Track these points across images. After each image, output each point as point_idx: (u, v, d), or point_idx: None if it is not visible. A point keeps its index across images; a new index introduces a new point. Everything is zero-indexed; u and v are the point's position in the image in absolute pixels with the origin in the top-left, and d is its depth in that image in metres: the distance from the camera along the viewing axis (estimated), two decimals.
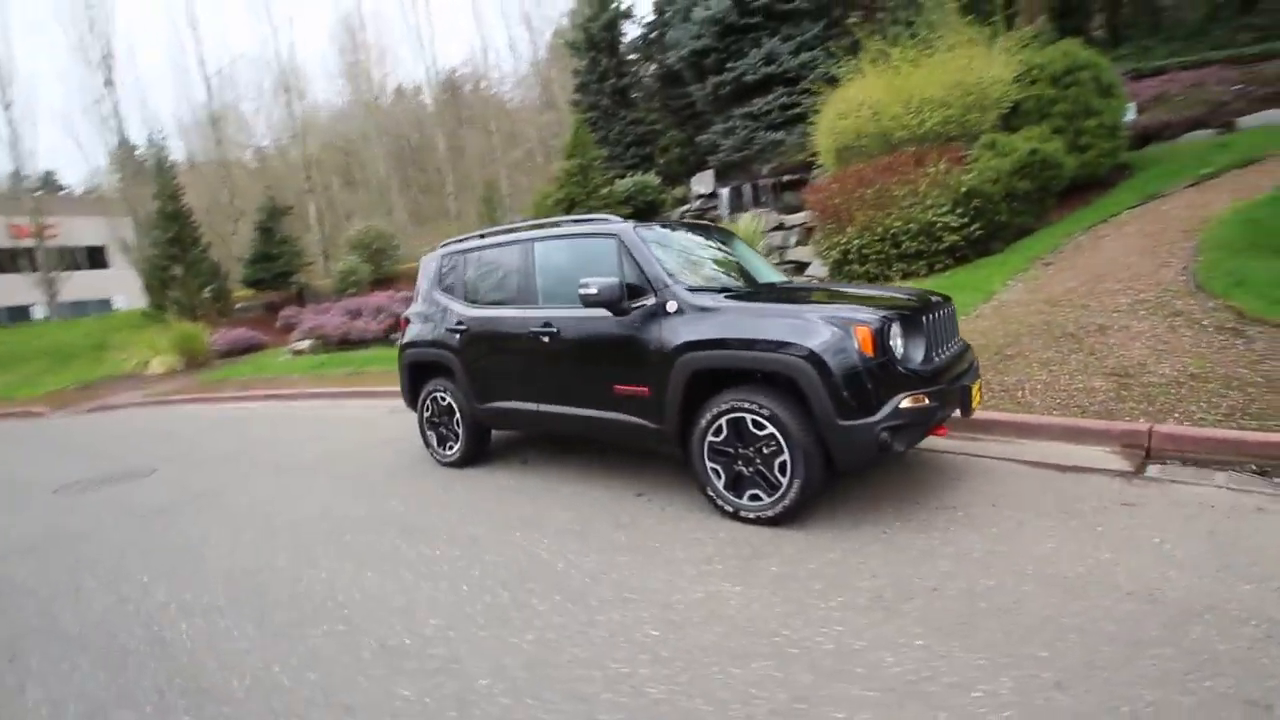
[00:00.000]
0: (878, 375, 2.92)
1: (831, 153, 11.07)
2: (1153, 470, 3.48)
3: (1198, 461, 3.50)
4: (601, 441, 4.51)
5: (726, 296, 3.44)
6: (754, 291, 3.73)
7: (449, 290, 4.79)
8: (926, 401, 2.97)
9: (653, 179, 18.90)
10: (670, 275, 3.55)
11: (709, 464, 3.33)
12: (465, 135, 29.62)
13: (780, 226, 15.15)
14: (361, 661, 2.36)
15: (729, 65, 17.73)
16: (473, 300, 4.61)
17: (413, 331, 5.00)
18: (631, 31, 25.05)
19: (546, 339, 3.99)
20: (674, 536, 3.18)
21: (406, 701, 2.10)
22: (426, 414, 4.94)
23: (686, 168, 22.77)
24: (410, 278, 20.52)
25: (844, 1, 17.99)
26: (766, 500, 3.15)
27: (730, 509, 3.27)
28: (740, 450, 3.21)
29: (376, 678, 2.25)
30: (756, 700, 1.94)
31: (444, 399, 4.76)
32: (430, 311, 4.88)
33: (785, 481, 3.07)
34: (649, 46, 24.28)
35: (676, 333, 3.38)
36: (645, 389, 3.53)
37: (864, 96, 10.36)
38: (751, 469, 3.19)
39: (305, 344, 15.05)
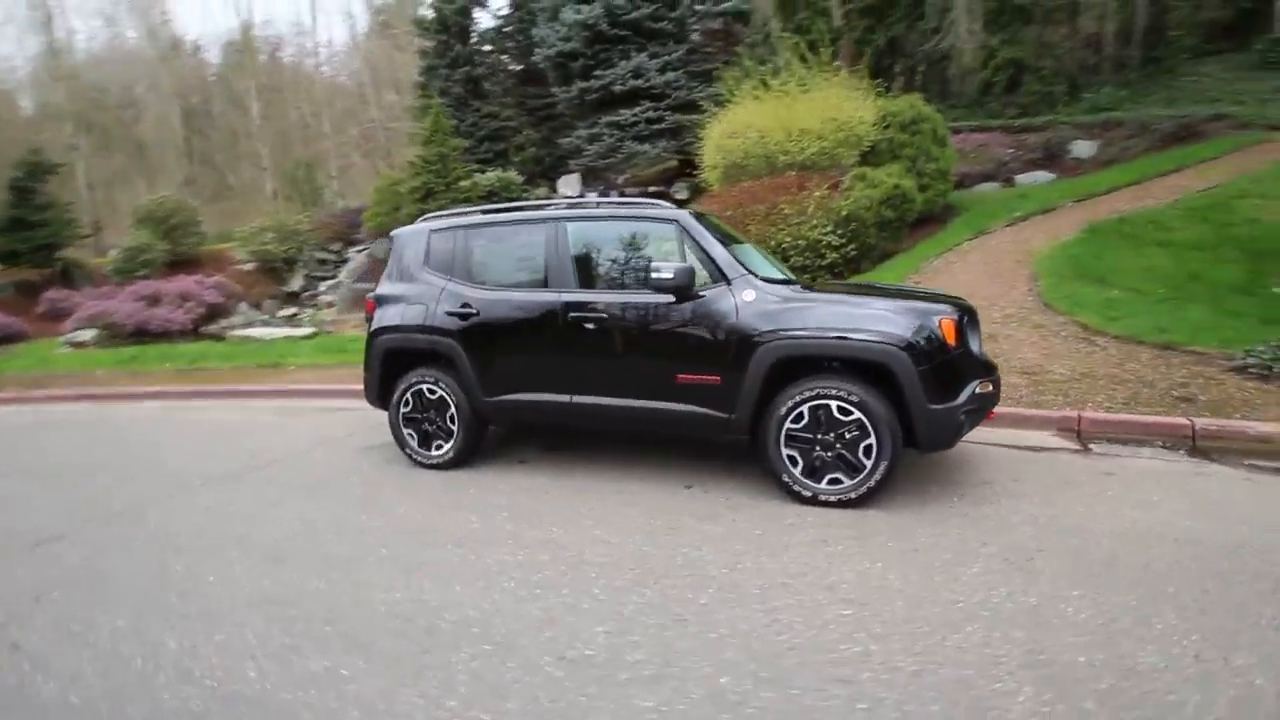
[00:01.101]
0: (959, 363, 3.24)
1: (719, 169, 11.73)
2: (1095, 448, 4.28)
3: (1120, 440, 4.37)
4: (637, 434, 4.33)
5: (799, 288, 3.55)
6: (816, 284, 3.86)
7: (444, 270, 4.27)
8: (990, 388, 3.36)
9: (516, 176, 18.44)
10: (741, 264, 3.58)
11: (785, 451, 3.40)
12: (279, 106, 26.10)
13: None
14: (557, 680, 2.04)
15: (596, 73, 17.93)
16: (480, 281, 4.16)
17: (388, 315, 4.36)
18: (484, 21, 24.19)
19: (590, 325, 3.75)
20: (764, 524, 3.20)
21: (659, 712, 1.88)
22: (405, 410, 4.33)
23: (542, 168, 22.54)
24: (216, 260, 17.57)
25: (704, 31, 19.17)
26: (849, 483, 3.31)
27: (808, 494, 3.37)
28: (820, 436, 3.34)
29: (596, 694, 1.97)
30: (1003, 660, 2.06)
31: (433, 392, 4.22)
32: (415, 293, 4.30)
33: (870, 464, 3.25)
34: (503, 39, 23.64)
35: (758, 321, 3.41)
36: (716, 377, 3.50)
37: (751, 120, 11.15)
38: (832, 454, 3.33)
39: (87, 335, 12.17)
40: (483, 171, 18.67)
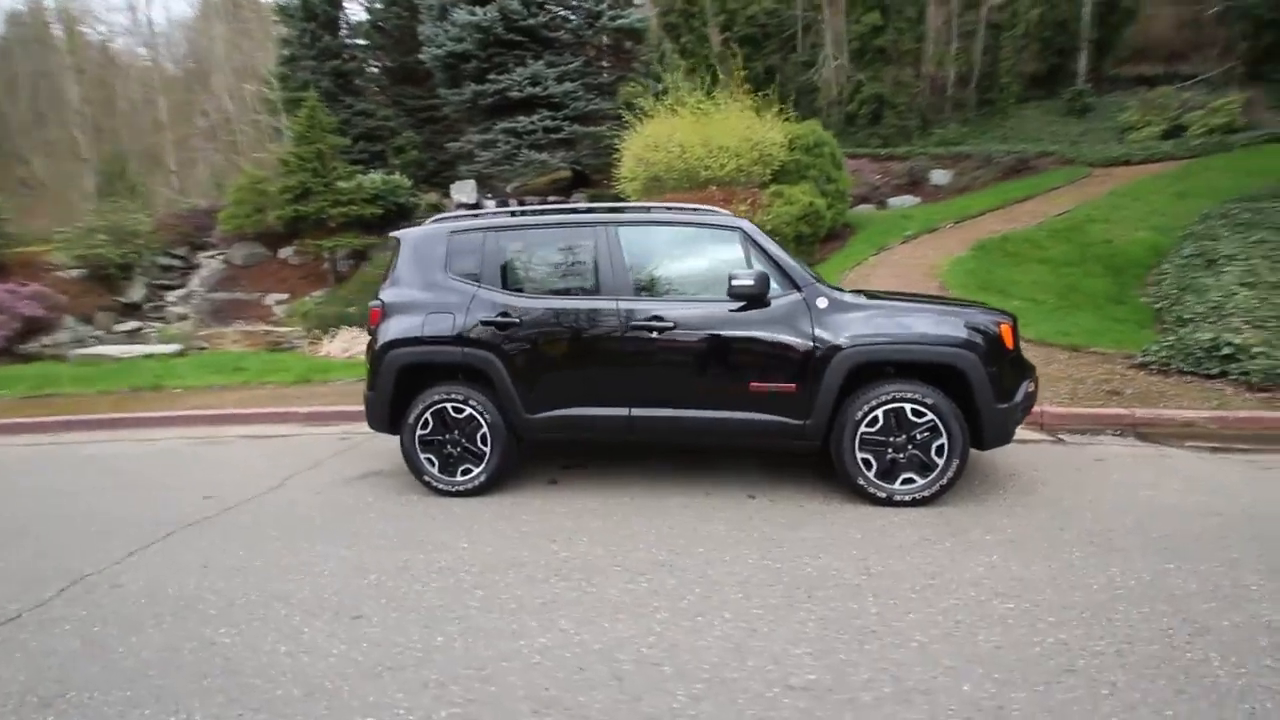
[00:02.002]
0: (1017, 365, 3.52)
1: (639, 180, 11.81)
2: (1065, 439, 4.84)
3: (1080, 430, 4.99)
4: (651, 448, 4.18)
5: (861, 296, 3.66)
6: (874, 293, 3.95)
7: (471, 275, 3.86)
8: (1033, 387, 3.68)
9: (404, 180, 17.35)
10: (807, 271, 3.62)
11: (860, 454, 3.48)
12: (103, 89, 22.12)
13: None
14: (808, 712, 1.90)
15: (491, 77, 17.36)
16: (517, 288, 3.82)
17: (403, 326, 3.86)
18: (355, 13, 22.55)
19: (655, 334, 3.59)
20: (855, 527, 3.24)
21: None
22: (422, 432, 3.85)
23: (425, 172, 21.39)
24: (27, 266, 14.59)
25: (597, 46, 19.28)
26: (921, 482, 3.45)
27: (883, 495, 3.47)
28: (894, 439, 3.46)
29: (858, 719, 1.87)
30: (1173, 632, 2.25)
31: (459, 410, 3.79)
32: (437, 301, 3.85)
33: (943, 463, 3.42)
34: (378, 34, 22.18)
35: (836, 328, 3.46)
36: (792, 385, 3.50)
37: (672, 134, 11.37)
38: (905, 455, 3.46)
39: None
40: (365, 172, 17.32)
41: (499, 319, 3.73)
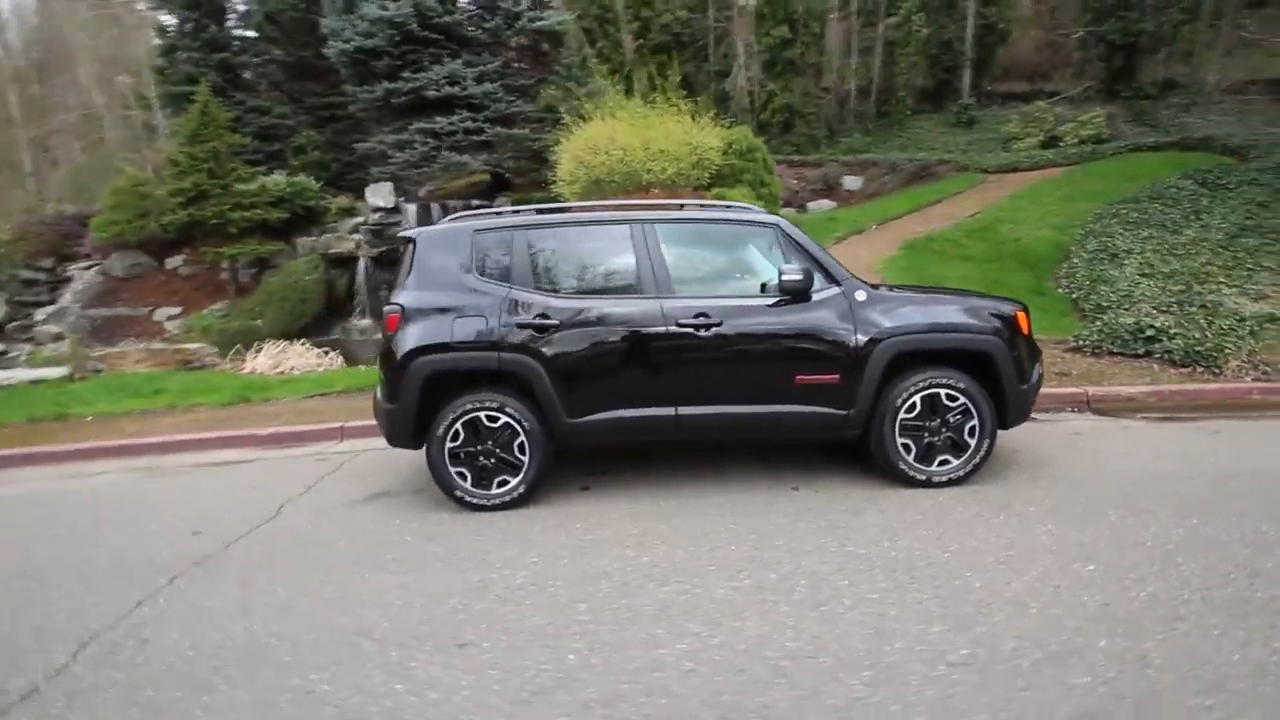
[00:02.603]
0: (1031, 348, 3.81)
1: (581, 183, 11.70)
2: (1037, 416, 5.28)
3: (1045, 409, 5.46)
4: (743, 442, 4.24)
5: (890, 289, 3.83)
6: (897, 286, 4.11)
7: (499, 276, 3.66)
8: (1041, 369, 4.00)
9: (311, 182, 16.20)
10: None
11: (899, 440, 3.64)
12: None
13: None
14: (981, 685, 1.96)
15: (405, 75, 16.59)
16: (551, 288, 3.66)
17: (428, 331, 3.59)
18: (243, 2, 20.84)
19: (703, 332, 3.56)
20: (908, 510, 3.38)
21: (1108, 686, 1.93)
22: (453, 444, 3.60)
23: (329, 174, 20.12)
24: None
25: (516, 47, 18.94)
26: (956, 463, 3.66)
27: (922, 477, 3.65)
28: (929, 423, 3.64)
29: (1026, 685, 1.95)
30: (1234, 577, 2.52)
31: (494, 419, 3.58)
32: (466, 303, 3.62)
33: (974, 444, 3.65)
34: (270, 25, 20.60)
35: (874, 319, 3.60)
36: (835, 376, 3.60)
37: (612, 137, 11.37)
38: (941, 438, 3.66)
39: None
40: (265, 173, 16.02)
41: (537, 321, 3.57)
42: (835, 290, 3.65)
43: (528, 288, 3.65)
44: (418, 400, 3.61)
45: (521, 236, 3.74)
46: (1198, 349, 5.82)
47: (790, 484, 3.85)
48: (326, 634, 2.47)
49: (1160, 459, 4.03)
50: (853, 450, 4.04)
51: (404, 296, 3.70)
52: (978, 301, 3.85)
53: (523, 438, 3.60)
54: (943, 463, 3.67)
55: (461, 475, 3.64)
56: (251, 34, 20.22)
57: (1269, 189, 9.76)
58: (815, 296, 3.62)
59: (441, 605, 2.64)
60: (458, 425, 3.60)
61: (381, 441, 5.28)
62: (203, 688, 2.17)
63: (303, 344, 9.11)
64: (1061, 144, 15.43)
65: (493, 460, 3.63)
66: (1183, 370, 5.86)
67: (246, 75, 19.99)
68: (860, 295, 3.65)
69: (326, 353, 9.00)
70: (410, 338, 3.61)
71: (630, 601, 2.59)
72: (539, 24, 17.83)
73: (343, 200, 17.12)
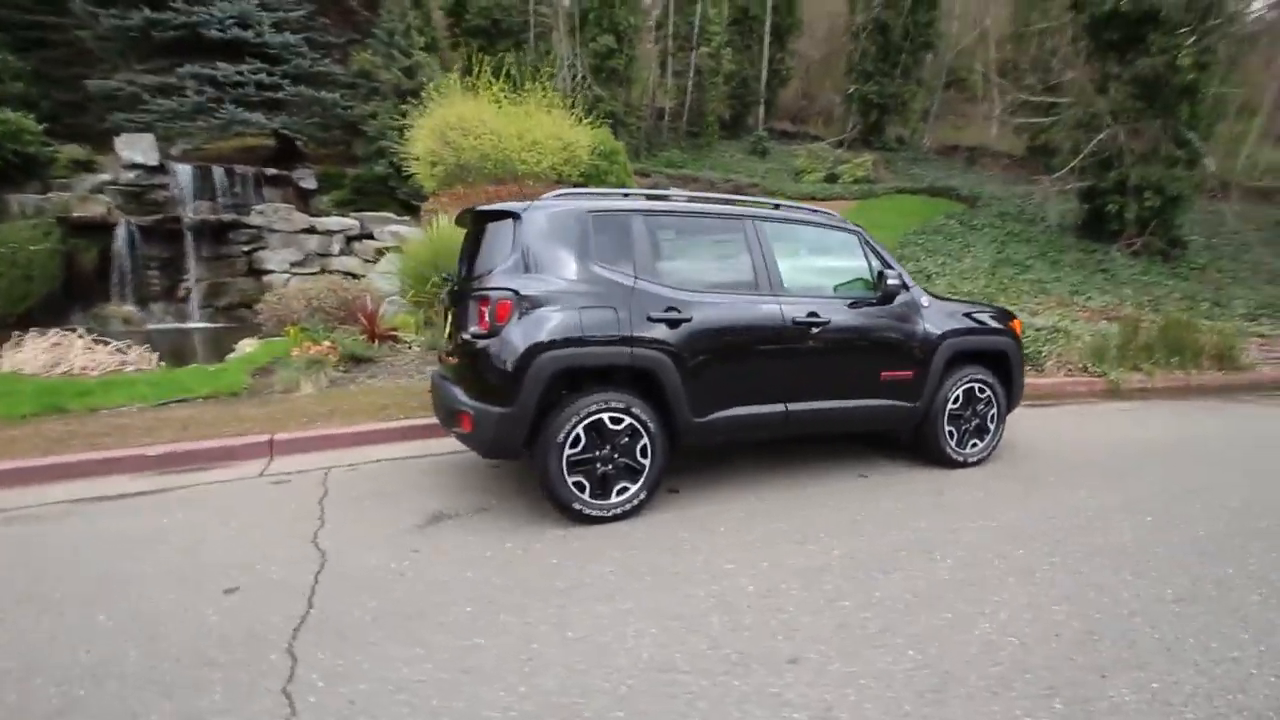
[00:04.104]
0: (1022, 348, 4.64)
1: (447, 166, 10.69)
2: None
3: None
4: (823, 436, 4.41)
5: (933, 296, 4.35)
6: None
7: (621, 265, 3.31)
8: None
9: (30, 122, 12.32)
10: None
11: (947, 427, 4.18)
12: None
13: (312, 230, 12.95)
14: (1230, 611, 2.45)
15: (177, 4, 13.37)
16: (673, 280, 3.41)
17: (553, 323, 3.09)
18: None
19: (814, 330, 3.66)
20: (973, 489, 3.91)
21: None
22: (573, 451, 3.17)
23: (39, 115, 15.48)
24: None
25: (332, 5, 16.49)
26: (981, 445, 4.33)
27: (960, 459, 4.24)
28: (966, 412, 4.25)
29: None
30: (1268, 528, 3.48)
31: (618, 420, 3.24)
32: (591, 293, 3.20)
33: (994, 428, 4.35)
34: None
35: (937, 322, 4.07)
36: (909, 372, 3.99)
37: (481, 118, 10.63)
38: (972, 425, 4.29)
39: None
40: None
41: (668, 315, 3.32)
42: (908, 294, 4.05)
43: (651, 278, 3.37)
44: (538, 402, 3.10)
45: (640, 223, 3.44)
46: (1024, 353, 7.56)
47: (856, 471, 4.16)
48: (629, 678, 2.06)
49: (1107, 432, 5.43)
50: (864, 439, 4.56)
51: (517, 281, 3.14)
52: (990, 308, 4.58)
53: (645, 440, 3.32)
54: (972, 446, 4.30)
55: (579, 486, 3.22)
56: None
57: (1002, 231, 12.92)
58: (897, 299, 3.98)
59: (704, 626, 2.36)
60: (579, 430, 3.18)
61: (348, 456, 4.41)
62: None
63: (86, 335, 6.77)
64: (841, 180, 18.45)
65: (612, 467, 3.28)
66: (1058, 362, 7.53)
67: None
68: (925, 300, 4.11)
69: (129, 346, 6.83)
70: (532, 329, 3.08)
71: (886, 591, 2.62)
72: None
73: (75, 150, 13.23)
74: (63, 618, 2.43)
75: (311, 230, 12.63)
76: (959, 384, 4.16)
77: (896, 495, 3.75)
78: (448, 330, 3.77)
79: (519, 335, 3.08)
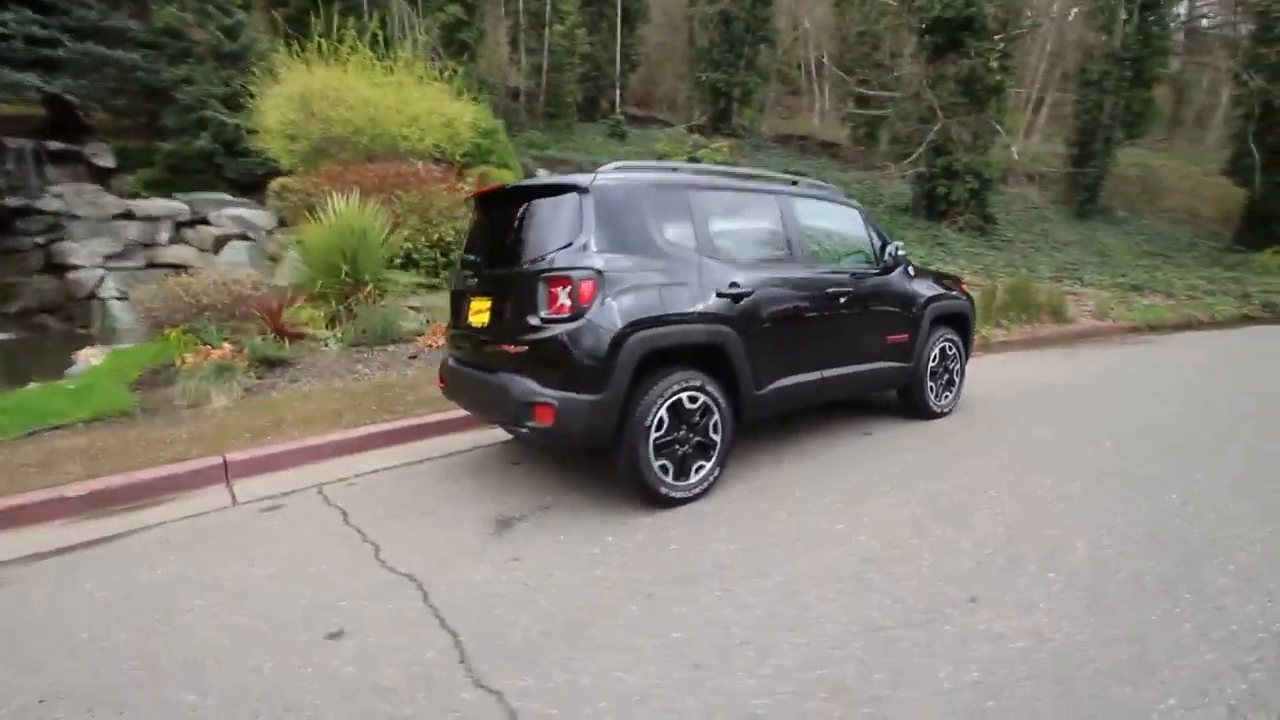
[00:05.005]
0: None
1: (311, 140, 9.45)
2: None
3: None
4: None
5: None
6: None
7: (684, 240, 3.21)
8: None
9: None
10: None
11: (929, 383, 4.65)
12: None
13: (129, 215, 10.87)
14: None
15: None
16: (726, 255, 3.38)
17: (638, 301, 2.92)
18: None
19: (842, 299, 3.85)
20: (964, 434, 4.41)
21: None
22: (658, 434, 3.05)
23: None
24: None
25: None
26: (951, 396, 4.86)
27: (939, 410, 4.74)
28: (940, 369, 4.75)
29: None
30: (1213, 449, 4.30)
31: (694, 400, 3.17)
32: (666, 269, 3.07)
33: (959, 380, 4.91)
34: None
35: (922, 290, 4.48)
36: (906, 335, 4.36)
37: (347, 87, 9.55)
38: (944, 380, 4.80)
39: None
40: None
41: (732, 290, 3.30)
42: (903, 265, 4.41)
43: (710, 253, 3.32)
44: (628, 387, 2.94)
45: (696, 197, 3.36)
46: None
47: (860, 431, 4.47)
48: (851, 640, 2.07)
49: (1035, 377, 6.07)
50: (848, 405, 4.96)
51: (596, 259, 2.91)
52: (946, 275, 5.11)
53: (717, 416, 3.29)
54: (946, 398, 4.82)
55: (664, 469, 3.12)
56: None
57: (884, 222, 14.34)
58: (895, 270, 4.31)
59: (869, 582, 2.44)
60: (662, 412, 3.07)
61: (329, 470, 3.88)
62: None
63: None
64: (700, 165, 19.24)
65: (688, 447, 3.22)
66: None
67: None
68: (910, 269, 4.49)
69: None
70: (620, 309, 2.89)
71: (983, 528, 2.88)
72: None
73: None
74: (154, 712, 1.88)
75: (129, 215, 10.51)
76: (937, 343, 4.63)
77: (908, 447, 4.10)
78: (476, 318, 3.41)
79: (608, 316, 2.88)
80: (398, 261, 8.13)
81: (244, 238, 11.25)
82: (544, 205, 3.18)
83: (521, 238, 3.21)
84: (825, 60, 25.98)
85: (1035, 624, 2.18)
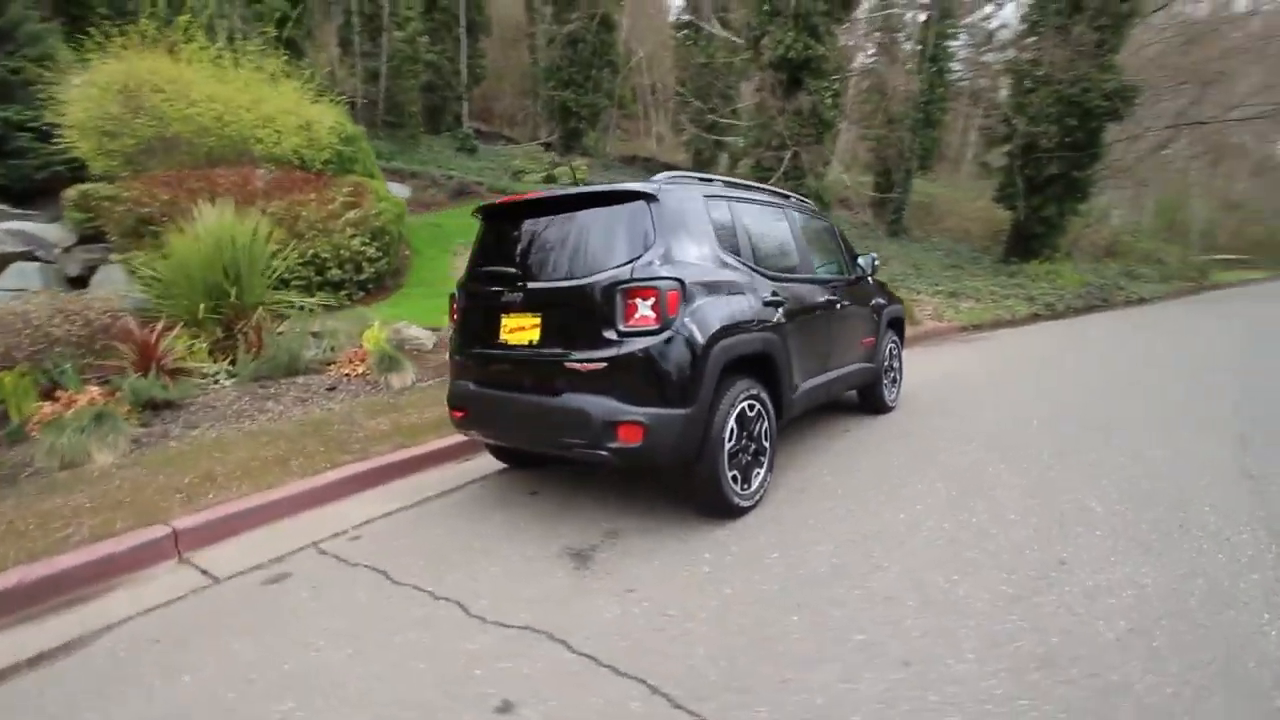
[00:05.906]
0: None
1: (136, 140, 7.91)
2: None
3: None
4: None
5: None
6: None
7: (733, 249, 3.23)
8: None
9: None
10: None
11: (884, 380, 5.13)
12: None
13: None
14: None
15: None
16: (760, 265, 3.44)
17: (718, 311, 2.91)
18: None
19: (839, 306, 4.12)
20: (935, 420, 4.92)
21: None
22: (731, 444, 3.03)
23: None
24: None
25: None
26: (896, 393, 5.39)
27: (891, 405, 5.23)
28: (888, 367, 5.26)
29: None
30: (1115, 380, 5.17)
31: (753, 407, 3.19)
32: (731, 279, 3.07)
33: (900, 379, 5.47)
34: None
35: (879, 295, 4.94)
36: (873, 338, 4.78)
37: (183, 79, 8.23)
38: (891, 377, 5.32)
39: None
40: None
41: (774, 299, 3.39)
42: (864, 273, 4.82)
43: (751, 263, 3.38)
44: (713, 399, 2.88)
45: (737, 209, 3.40)
46: None
47: (840, 428, 4.79)
48: (1051, 609, 2.22)
49: (962, 365, 6.82)
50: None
51: (674, 269, 2.81)
52: (883, 283, 5.66)
53: (767, 423, 3.35)
54: (893, 394, 5.34)
55: (735, 479, 3.10)
56: None
57: None
58: (867, 279, 4.72)
59: (979, 558, 2.64)
60: (732, 422, 3.06)
61: (313, 527, 3.41)
62: None
63: None
64: (559, 181, 19.23)
65: (748, 454, 3.23)
66: None
67: None
68: (870, 280, 4.93)
69: None
70: (706, 321, 2.84)
71: (1005, 498, 3.24)
72: None
73: None
74: None
75: None
76: (887, 344, 5.13)
77: (890, 437, 4.48)
78: (516, 336, 3.11)
79: (696, 327, 2.81)
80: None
81: (32, 257, 9.02)
82: (602, 215, 3.02)
83: (578, 248, 3.01)
84: (666, 86, 27.40)
85: (1123, 575, 2.52)
